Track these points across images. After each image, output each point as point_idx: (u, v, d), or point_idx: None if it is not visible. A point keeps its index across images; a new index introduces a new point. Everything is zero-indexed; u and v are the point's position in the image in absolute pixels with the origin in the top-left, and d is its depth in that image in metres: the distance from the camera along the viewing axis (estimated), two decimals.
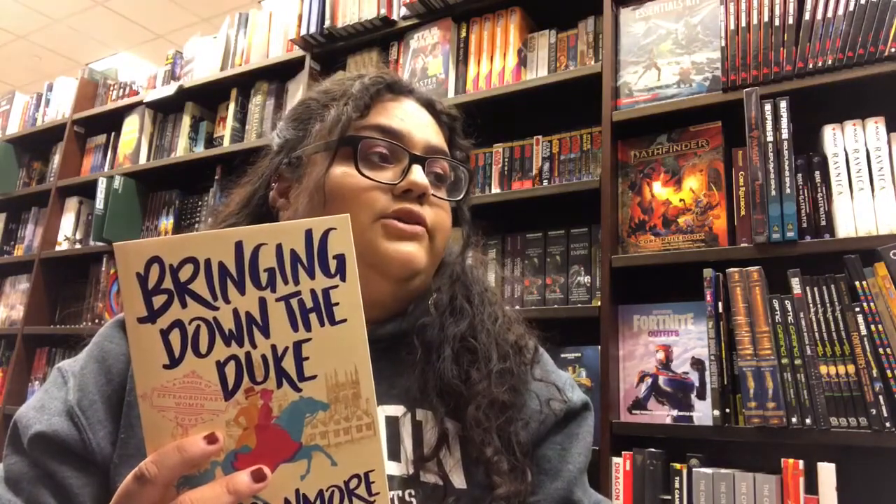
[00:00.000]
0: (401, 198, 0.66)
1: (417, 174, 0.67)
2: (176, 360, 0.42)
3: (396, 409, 0.66)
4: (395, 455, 0.63)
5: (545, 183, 1.83)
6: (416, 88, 0.76)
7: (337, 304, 0.42)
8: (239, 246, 0.42)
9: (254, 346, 0.42)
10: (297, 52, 2.34)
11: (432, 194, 0.69)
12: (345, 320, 0.43)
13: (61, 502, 0.58)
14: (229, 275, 0.42)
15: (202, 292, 0.42)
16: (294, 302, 0.42)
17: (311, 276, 0.42)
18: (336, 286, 0.42)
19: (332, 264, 0.42)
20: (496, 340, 0.71)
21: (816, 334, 1.34)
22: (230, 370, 0.42)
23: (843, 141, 1.44)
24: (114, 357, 0.66)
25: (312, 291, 0.42)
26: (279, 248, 0.42)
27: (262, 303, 0.42)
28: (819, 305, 1.35)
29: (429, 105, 0.75)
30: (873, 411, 1.26)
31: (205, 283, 0.42)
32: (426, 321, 0.69)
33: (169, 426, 0.42)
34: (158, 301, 0.42)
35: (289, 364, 0.43)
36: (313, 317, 0.42)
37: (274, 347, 0.42)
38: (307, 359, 0.43)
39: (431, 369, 0.67)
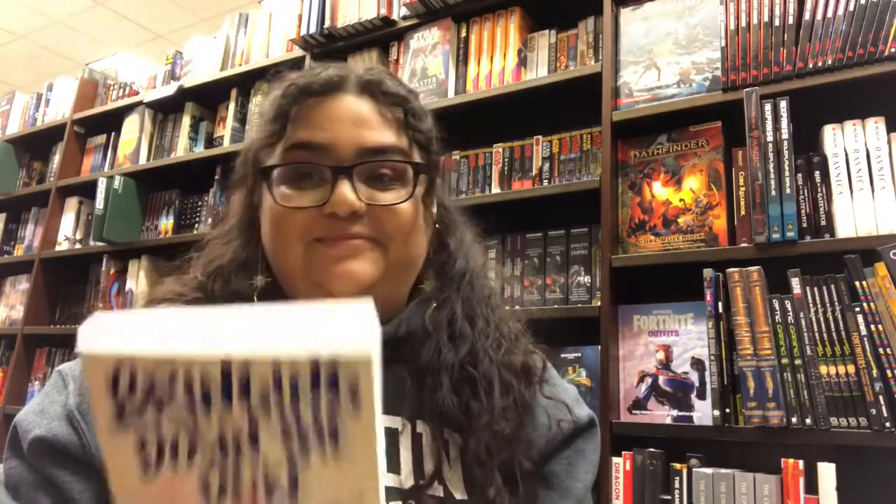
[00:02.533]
0: (331, 218, 0.61)
1: (339, 193, 0.60)
2: (152, 471, 0.37)
3: (395, 421, 0.63)
4: (393, 468, 0.61)
5: (545, 183, 1.83)
6: (347, 76, 0.66)
7: (345, 433, 0.36)
8: (227, 365, 0.35)
9: (241, 460, 0.36)
10: (297, 52, 2.34)
11: (369, 203, 0.62)
12: (353, 452, 0.36)
13: None
14: (213, 388, 0.36)
15: (181, 401, 0.36)
16: (292, 425, 0.36)
17: (316, 409, 0.36)
18: (345, 414, 0.36)
19: (344, 393, 0.35)
20: (500, 368, 0.67)
21: (816, 334, 1.34)
22: (213, 482, 0.37)
23: (843, 141, 1.44)
24: None
25: (316, 419, 0.36)
26: (276, 371, 0.35)
27: (253, 422, 0.36)
28: (819, 305, 1.35)
29: (369, 90, 0.65)
30: (873, 411, 1.26)
31: (184, 393, 0.36)
32: (422, 337, 0.66)
33: None
34: (131, 408, 0.36)
35: (280, 495, 0.37)
36: (315, 445, 0.36)
37: (266, 467, 0.36)
38: (303, 488, 0.37)
39: (428, 394, 0.64)
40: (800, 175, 1.45)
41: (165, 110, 2.79)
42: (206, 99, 2.68)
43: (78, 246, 2.87)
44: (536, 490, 0.65)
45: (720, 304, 1.45)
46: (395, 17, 2.14)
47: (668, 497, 1.43)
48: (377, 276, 0.63)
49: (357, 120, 0.64)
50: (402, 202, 0.63)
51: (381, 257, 0.63)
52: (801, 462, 1.31)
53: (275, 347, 0.35)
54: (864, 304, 1.29)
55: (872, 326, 1.28)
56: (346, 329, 0.35)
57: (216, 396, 0.35)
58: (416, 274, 0.69)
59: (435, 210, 0.72)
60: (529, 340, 0.74)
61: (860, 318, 1.30)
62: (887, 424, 1.25)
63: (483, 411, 0.63)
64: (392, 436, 0.63)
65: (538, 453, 0.67)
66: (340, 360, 0.34)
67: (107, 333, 0.35)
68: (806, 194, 1.45)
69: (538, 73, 1.91)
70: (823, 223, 1.43)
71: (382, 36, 2.18)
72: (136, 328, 0.36)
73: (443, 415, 0.63)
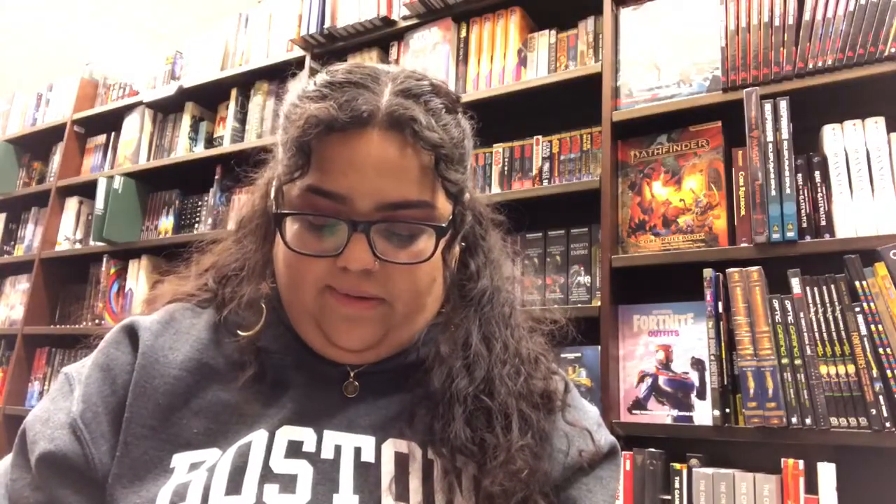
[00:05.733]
0: (344, 271, 0.58)
1: (353, 251, 0.57)
2: None
3: (405, 446, 0.61)
4: (403, 495, 0.59)
5: (545, 183, 1.83)
6: (377, 108, 0.57)
7: None
8: None
9: None
10: (297, 52, 2.34)
11: (386, 261, 0.58)
12: None
13: None
14: None
15: None
16: None
17: None
18: None
19: None
20: (517, 399, 0.63)
21: (816, 334, 1.34)
22: None
23: (843, 141, 1.44)
24: (119, 366, 0.62)
25: None
26: None
27: None
28: (819, 305, 1.34)
29: (399, 126, 0.57)
30: (873, 411, 1.26)
31: None
32: (434, 362, 0.63)
33: None
34: None
35: None
36: None
37: None
38: None
39: (440, 425, 0.61)
40: (800, 175, 1.45)
41: (165, 110, 2.79)
42: (206, 99, 2.68)
43: (78, 246, 2.87)
44: None
45: (720, 304, 1.44)
46: (395, 17, 2.14)
47: (668, 497, 1.43)
48: (381, 335, 0.62)
49: (380, 168, 0.57)
50: (418, 262, 0.59)
51: (388, 316, 0.61)
52: (801, 462, 1.31)
53: None
54: (864, 304, 1.29)
55: (872, 326, 1.28)
56: None
57: None
58: (431, 314, 0.66)
59: (457, 250, 0.68)
60: (551, 359, 0.71)
61: (860, 318, 1.30)
62: (887, 424, 1.25)
63: (499, 448, 0.59)
64: (402, 461, 0.60)
65: (555, 481, 0.64)
66: None
67: None
68: (806, 194, 1.45)
69: (538, 73, 1.91)
70: (823, 223, 1.43)
71: (382, 36, 2.18)
72: None
73: (455, 447, 0.60)
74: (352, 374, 0.64)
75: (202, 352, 0.63)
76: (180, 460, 0.58)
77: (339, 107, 0.57)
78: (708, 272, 1.47)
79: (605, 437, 0.69)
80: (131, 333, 0.65)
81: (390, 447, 0.61)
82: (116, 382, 0.62)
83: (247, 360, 0.62)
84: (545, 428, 0.64)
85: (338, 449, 0.59)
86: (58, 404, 0.62)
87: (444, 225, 0.61)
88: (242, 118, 2.56)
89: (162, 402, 0.60)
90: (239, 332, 0.63)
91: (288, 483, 0.56)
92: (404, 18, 2.12)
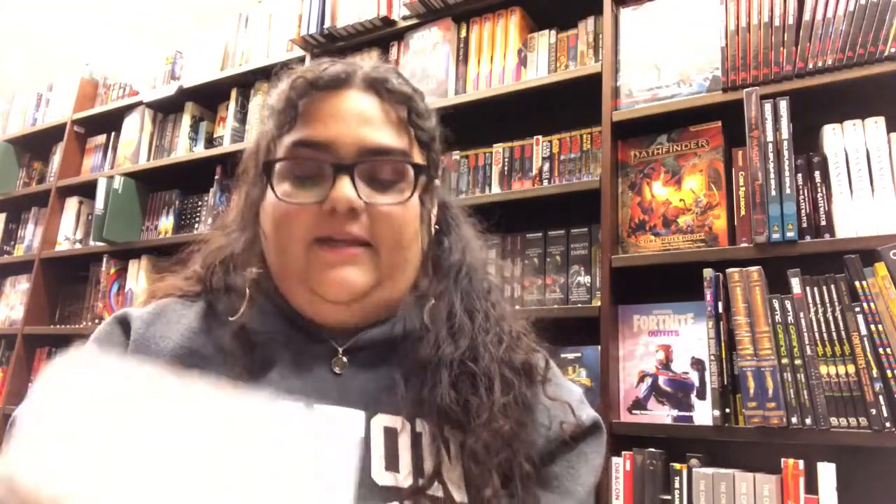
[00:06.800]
0: (331, 215, 0.62)
1: (339, 190, 0.61)
2: None
3: (394, 420, 0.63)
4: (393, 466, 0.61)
5: (545, 183, 1.83)
6: (354, 71, 0.67)
7: None
8: None
9: None
10: (297, 51, 2.34)
11: (367, 203, 0.62)
12: None
13: None
14: None
15: None
16: None
17: None
18: None
19: None
20: (500, 364, 0.66)
21: (816, 334, 1.34)
22: None
23: (843, 141, 1.44)
24: (113, 352, 0.65)
25: None
26: None
27: None
28: (819, 305, 1.34)
29: (375, 87, 0.66)
30: (873, 411, 1.26)
31: None
32: (420, 333, 0.66)
33: None
34: None
35: None
36: None
37: None
38: None
39: (427, 390, 0.63)
40: (800, 175, 1.45)
41: (165, 110, 2.79)
42: (206, 99, 2.68)
43: (78, 246, 2.87)
44: (536, 492, 0.64)
45: (720, 304, 1.44)
46: (395, 17, 2.14)
47: (668, 497, 1.43)
48: (370, 283, 0.64)
49: (361, 118, 0.65)
50: (399, 203, 0.64)
51: (375, 263, 0.64)
52: (801, 462, 1.31)
53: None
54: (864, 304, 1.29)
55: (872, 326, 1.28)
56: None
57: None
58: (412, 276, 0.69)
59: (435, 210, 0.72)
60: (533, 340, 0.73)
61: (860, 318, 1.30)
62: (887, 424, 1.25)
63: (482, 408, 0.62)
64: (391, 435, 0.62)
65: (538, 455, 0.65)
66: None
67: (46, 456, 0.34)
68: (806, 194, 1.44)
69: (538, 73, 1.91)
70: (823, 223, 1.42)
71: (382, 36, 2.18)
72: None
73: (441, 411, 0.62)
74: (340, 350, 0.65)
75: (192, 339, 0.65)
76: None
77: (321, 72, 0.66)
78: (708, 272, 1.47)
79: (588, 413, 0.70)
80: (123, 323, 0.67)
81: (380, 422, 0.62)
82: None
83: (236, 343, 0.64)
84: (527, 396, 0.66)
85: None
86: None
87: (420, 163, 0.67)
88: (242, 118, 2.56)
89: None
90: (229, 318, 0.65)
91: None
92: (404, 18, 2.12)
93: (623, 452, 1.50)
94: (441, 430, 0.62)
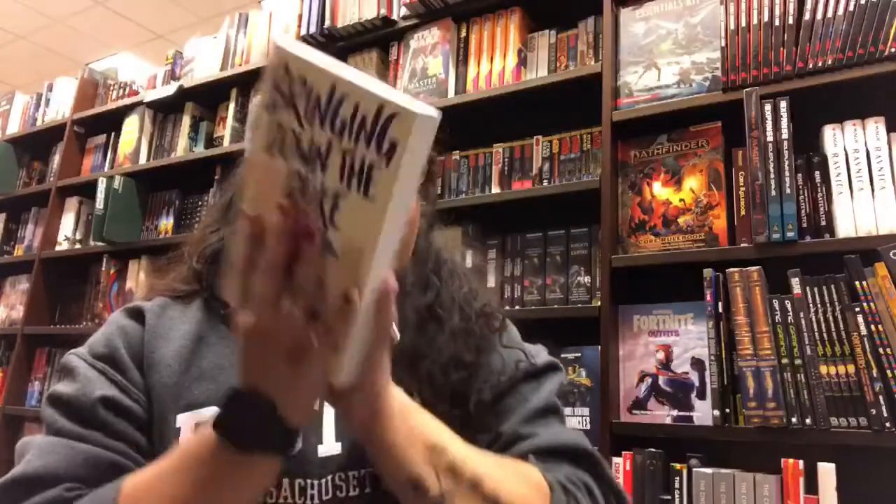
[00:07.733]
0: None
1: None
2: (275, 150, 0.47)
3: None
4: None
5: (545, 183, 1.83)
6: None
7: (371, 181, 0.44)
8: (332, 89, 0.43)
9: (313, 172, 0.46)
10: None
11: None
12: (373, 200, 0.43)
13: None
14: (319, 107, 0.44)
15: (301, 108, 0.45)
16: (349, 158, 0.44)
17: (367, 144, 0.43)
18: (377, 167, 0.43)
19: (385, 146, 0.42)
20: (461, 305, 0.73)
21: (816, 334, 1.34)
22: (295, 181, 0.46)
23: (843, 141, 1.44)
24: (133, 337, 0.69)
25: (362, 158, 0.43)
26: (356, 106, 0.43)
27: (329, 145, 0.45)
28: (819, 305, 1.34)
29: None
30: (873, 411, 1.26)
31: (304, 101, 0.45)
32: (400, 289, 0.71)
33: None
34: (282, 99, 0.46)
35: (327, 204, 0.45)
36: (354, 181, 0.44)
37: (323, 184, 0.45)
38: (339, 209, 0.45)
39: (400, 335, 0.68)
40: (800, 175, 1.45)
41: (165, 110, 2.79)
42: (206, 99, 2.67)
43: (78, 246, 2.87)
44: (489, 421, 0.68)
45: (720, 304, 1.44)
46: (395, 17, 2.14)
47: (668, 497, 1.43)
48: None
49: None
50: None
51: None
52: (801, 462, 1.31)
53: (362, 92, 0.42)
54: (864, 304, 1.29)
55: (872, 326, 1.28)
56: (404, 105, 0.41)
57: (318, 113, 0.44)
58: None
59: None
60: (496, 303, 0.79)
61: (860, 318, 1.30)
62: (887, 424, 1.25)
63: (442, 336, 0.69)
64: None
65: (493, 390, 0.70)
66: (399, 108, 0.41)
67: (296, 46, 0.45)
68: (806, 194, 1.44)
69: (538, 73, 1.91)
70: (823, 223, 1.42)
71: (382, 36, 2.18)
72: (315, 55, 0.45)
73: (409, 364, 0.66)
74: None
75: (199, 325, 0.71)
76: (184, 420, 0.65)
77: None
78: (708, 272, 1.47)
79: (544, 358, 0.76)
80: (137, 313, 0.72)
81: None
82: (133, 348, 0.69)
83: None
84: (485, 333, 0.73)
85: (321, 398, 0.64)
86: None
87: None
88: (242, 118, 2.55)
89: (165, 371, 0.67)
90: (225, 309, 0.68)
91: None
92: (404, 18, 2.12)
93: (623, 452, 1.50)
94: (414, 369, 0.66)
